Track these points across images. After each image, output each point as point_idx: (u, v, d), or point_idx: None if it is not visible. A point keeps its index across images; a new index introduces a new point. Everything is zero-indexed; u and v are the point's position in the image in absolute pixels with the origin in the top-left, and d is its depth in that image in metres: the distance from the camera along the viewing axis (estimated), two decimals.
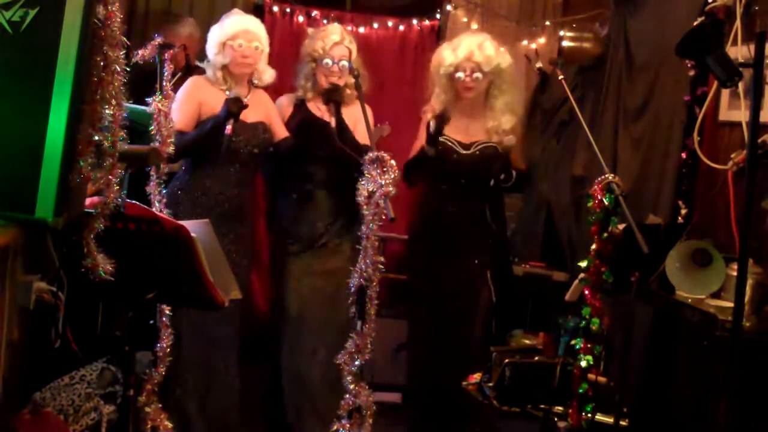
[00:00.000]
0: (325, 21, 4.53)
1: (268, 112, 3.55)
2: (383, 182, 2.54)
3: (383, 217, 2.57)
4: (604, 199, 2.70)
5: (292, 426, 3.63)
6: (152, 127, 2.78)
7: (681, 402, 3.44)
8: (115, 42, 1.71)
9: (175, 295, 2.47)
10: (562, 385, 2.95)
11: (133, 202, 2.22)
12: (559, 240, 4.47)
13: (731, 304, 2.35)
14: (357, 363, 2.66)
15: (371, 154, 2.60)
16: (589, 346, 2.73)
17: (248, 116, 3.40)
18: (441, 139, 3.62)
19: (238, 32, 3.38)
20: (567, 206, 4.45)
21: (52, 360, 2.51)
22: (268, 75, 3.54)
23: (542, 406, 2.99)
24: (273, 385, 3.69)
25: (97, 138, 1.73)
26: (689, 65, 3.53)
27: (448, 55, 3.61)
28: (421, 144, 3.60)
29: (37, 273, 2.00)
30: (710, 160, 3.28)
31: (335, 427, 2.75)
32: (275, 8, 4.54)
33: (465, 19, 4.68)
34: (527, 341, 4.03)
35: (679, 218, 3.60)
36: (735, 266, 2.28)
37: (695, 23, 2.39)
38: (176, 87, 3.25)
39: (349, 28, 4.32)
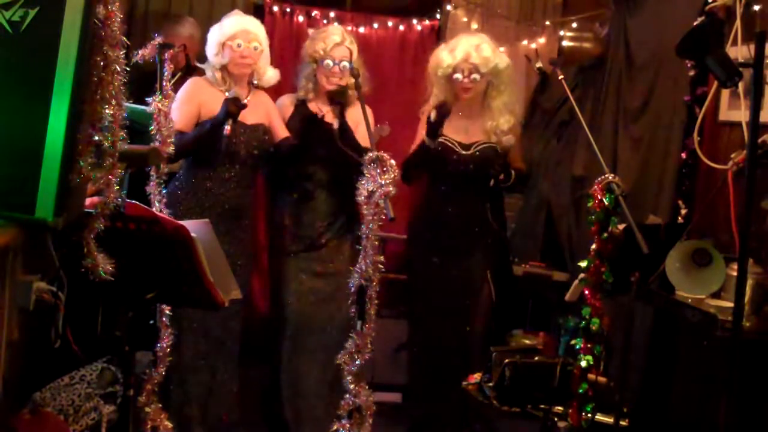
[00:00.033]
0: (325, 21, 4.53)
1: (269, 114, 3.55)
2: (383, 182, 2.54)
3: (383, 217, 2.57)
4: (604, 199, 2.70)
5: (292, 426, 3.63)
6: (152, 127, 2.78)
7: (681, 402, 3.44)
8: (115, 42, 1.71)
9: (175, 295, 2.47)
10: (562, 385, 2.95)
11: (133, 202, 2.22)
12: (559, 240, 4.47)
13: (731, 304, 2.35)
14: (357, 363, 2.66)
15: (371, 154, 2.60)
16: (589, 346, 2.73)
17: (248, 118, 3.40)
18: (441, 139, 3.62)
19: (236, 32, 3.38)
20: (567, 206, 4.45)
21: (52, 360, 2.51)
22: (271, 76, 3.54)
23: (542, 406, 2.99)
24: (272, 385, 3.69)
25: (97, 138, 1.73)
26: (689, 65, 3.53)
27: (445, 56, 3.62)
28: (421, 138, 3.60)
29: (37, 273, 2.00)
30: (710, 160, 3.28)
31: (335, 427, 2.75)
32: (275, 8, 4.54)
33: (465, 19, 4.68)
34: (527, 341, 4.04)
35: (679, 218, 3.61)
36: (735, 266, 2.28)
37: (695, 23, 2.39)
38: (176, 87, 3.25)
39: (349, 28, 4.32)
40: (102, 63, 1.69)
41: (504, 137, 3.63)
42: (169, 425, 2.78)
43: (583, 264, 2.76)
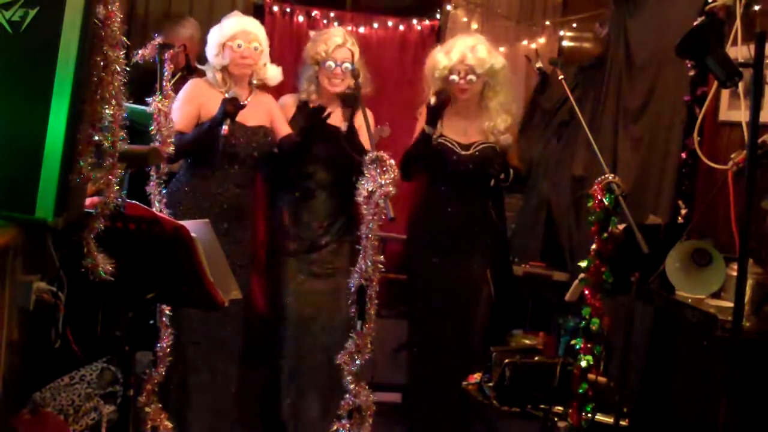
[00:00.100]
0: (325, 21, 4.53)
1: (271, 114, 3.54)
2: (383, 182, 2.54)
3: (383, 217, 2.57)
4: (604, 199, 2.70)
5: (291, 426, 3.63)
6: (152, 127, 2.78)
7: (681, 402, 3.44)
8: (115, 42, 1.71)
9: (175, 295, 2.47)
10: (562, 385, 2.95)
11: (133, 202, 2.22)
12: (559, 240, 4.47)
13: (731, 304, 2.35)
14: (357, 363, 2.66)
15: (371, 154, 2.60)
16: (589, 346, 2.73)
17: (249, 119, 3.40)
18: (440, 140, 3.64)
19: (236, 33, 3.38)
20: (567, 206, 4.45)
21: (52, 360, 2.51)
22: (274, 75, 3.54)
23: (542, 406, 2.99)
24: (272, 386, 3.69)
25: (97, 138, 1.73)
26: (689, 65, 3.53)
27: (441, 58, 3.63)
28: (420, 129, 3.60)
29: (37, 273, 1.99)
30: (710, 160, 3.28)
31: (335, 427, 2.75)
32: (275, 8, 4.54)
33: (465, 19, 4.68)
34: (527, 341, 4.03)
35: (679, 218, 3.60)
36: (735, 266, 2.28)
37: (695, 23, 2.39)
38: (176, 87, 3.26)
39: (349, 28, 4.32)
40: (102, 63, 1.69)
41: (501, 137, 3.65)
42: (169, 425, 2.78)
43: (583, 264, 2.75)
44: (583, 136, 3.76)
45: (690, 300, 2.97)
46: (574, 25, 4.72)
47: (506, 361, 3.02)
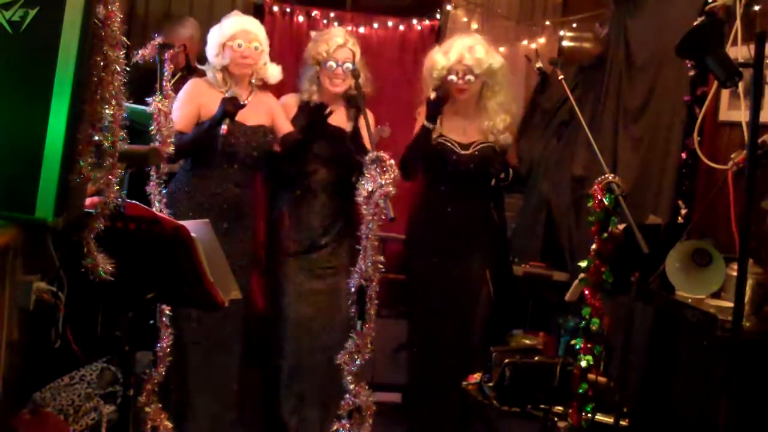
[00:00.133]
0: (324, 21, 4.53)
1: (272, 113, 3.54)
2: (383, 182, 2.55)
3: (383, 217, 2.57)
4: (604, 199, 2.70)
5: (291, 426, 3.63)
6: (152, 127, 2.78)
7: (681, 402, 3.44)
8: (115, 42, 1.71)
9: (175, 295, 2.47)
10: (562, 385, 2.95)
11: (133, 202, 2.22)
12: (559, 240, 4.47)
13: (731, 304, 2.35)
14: (357, 363, 2.66)
15: (371, 155, 2.61)
16: (589, 346, 2.73)
17: (249, 119, 3.40)
18: (440, 139, 3.64)
19: (236, 33, 3.38)
20: (567, 206, 4.44)
21: (52, 360, 2.51)
22: (274, 73, 3.54)
23: (542, 406, 2.99)
24: (272, 386, 3.69)
25: (97, 138, 1.73)
26: (689, 65, 3.53)
27: (439, 58, 3.64)
28: (420, 125, 3.60)
29: (37, 273, 1.99)
30: (710, 160, 3.28)
31: (335, 427, 2.75)
32: (275, 8, 4.54)
33: (465, 19, 4.67)
34: (527, 341, 4.03)
35: (679, 218, 3.60)
36: (735, 266, 2.28)
37: (695, 23, 2.39)
38: (176, 87, 3.26)
39: (349, 28, 4.32)
40: (102, 63, 1.69)
41: (501, 136, 3.66)
42: (169, 425, 2.78)
43: (583, 264, 2.75)
44: (583, 136, 3.76)
45: (690, 300, 2.97)
46: (574, 25, 4.72)
47: (506, 361, 3.02)
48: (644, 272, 2.97)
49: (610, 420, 2.86)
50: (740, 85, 2.69)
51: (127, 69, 1.78)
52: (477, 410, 3.53)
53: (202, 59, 3.54)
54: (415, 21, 4.69)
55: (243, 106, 3.26)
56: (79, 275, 1.85)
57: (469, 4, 4.66)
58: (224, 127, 3.20)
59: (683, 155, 3.67)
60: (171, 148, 2.82)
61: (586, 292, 2.74)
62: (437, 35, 4.65)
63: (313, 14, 4.57)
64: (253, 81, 3.51)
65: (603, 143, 3.96)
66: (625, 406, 2.99)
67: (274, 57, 3.63)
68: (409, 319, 3.90)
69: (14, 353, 2.03)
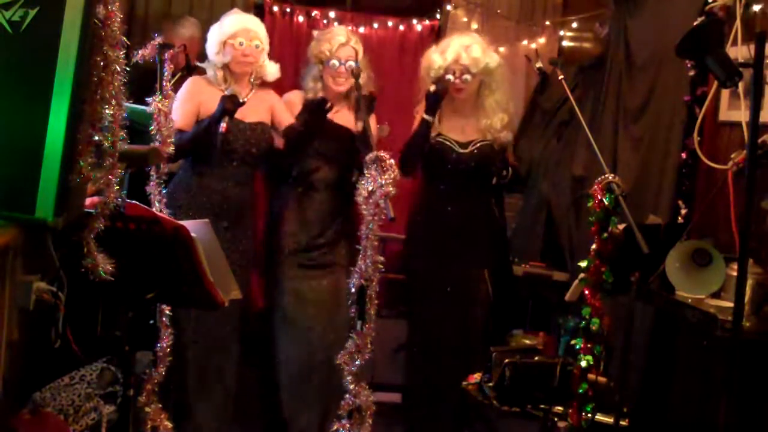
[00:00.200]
0: (325, 21, 4.53)
1: (272, 110, 3.53)
2: (383, 182, 2.55)
3: (383, 217, 2.57)
4: (604, 199, 2.70)
5: (291, 426, 3.62)
6: (152, 127, 2.78)
7: (681, 402, 3.44)
8: (115, 42, 1.71)
9: (175, 295, 2.47)
10: (562, 385, 2.95)
11: (133, 202, 2.22)
12: (559, 240, 4.46)
13: (731, 304, 2.35)
14: (357, 363, 2.66)
15: (371, 154, 2.61)
16: (589, 346, 2.73)
17: (248, 116, 3.40)
18: (439, 139, 3.65)
19: (238, 31, 3.38)
20: (567, 206, 4.44)
21: (52, 360, 2.51)
22: (271, 72, 3.54)
23: (542, 406, 2.99)
24: (271, 385, 3.68)
25: (97, 138, 1.73)
26: (689, 65, 3.53)
27: (436, 58, 3.65)
28: (420, 118, 3.60)
29: (37, 273, 1.99)
30: (710, 160, 3.28)
31: (335, 427, 2.75)
32: (275, 8, 4.53)
33: (465, 19, 4.67)
34: (527, 341, 4.03)
35: (679, 218, 3.60)
36: (735, 266, 2.28)
37: (695, 23, 2.39)
38: (176, 87, 3.26)
39: (349, 28, 4.31)
40: (102, 63, 1.69)
41: (502, 134, 3.68)
42: (169, 425, 2.78)
43: (583, 264, 2.76)
44: (583, 136, 3.76)
45: (690, 300, 2.97)
46: (574, 25, 4.72)
47: (506, 361, 3.02)
48: (644, 272, 2.97)
49: (610, 420, 2.86)
50: (740, 85, 2.70)
51: (127, 69, 1.78)
52: (477, 410, 3.53)
53: (202, 59, 3.54)
54: (415, 21, 4.69)
55: (242, 103, 3.26)
56: (79, 275, 1.85)
57: (469, 4, 4.66)
58: (223, 125, 3.20)
59: (683, 155, 3.67)
60: (171, 148, 2.82)
61: (586, 292, 2.74)
62: (437, 35, 4.64)
63: (313, 14, 4.57)
64: (252, 80, 3.51)
65: (603, 143, 3.96)
66: (625, 406, 2.99)
67: (274, 57, 3.63)
68: (408, 319, 3.90)
69: (14, 353, 2.03)
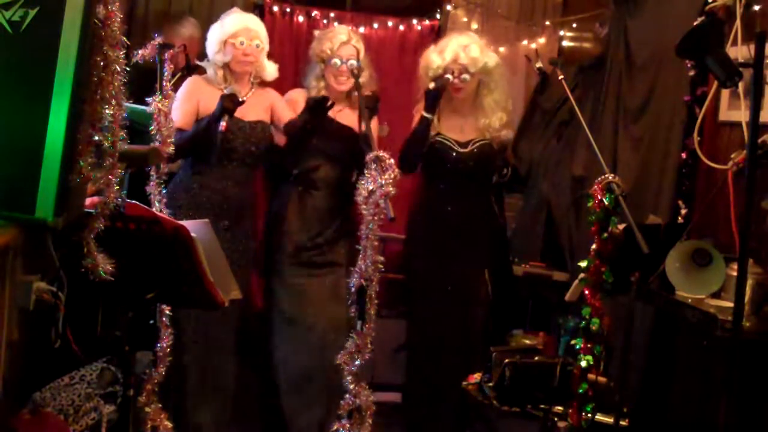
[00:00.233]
0: (325, 21, 4.53)
1: (273, 108, 3.53)
2: (383, 182, 2.54)
3: (383, 217, 2.57)
4: (604, 199, 2.70)
5: (290, 426, 3.62)
6: (152, 127, 2.78)
7: (681, 402, 3.44)
8: (115, 42, 1.71)
9: (175, 295, 2.47)
10: (562, 385, 2.95)
11: (133, 202, 2.22)
12: (559, 240, 4.46)
13: (731, 304, 2.35)
14: (357, 363, 2.66)
15: (371, 154, 2.61)
16: (589, 346, 2.73)
17: (248, 114, 3.40)
18: (438, 138, 3.65)
19: (239, 30, 3.38)
20: (567, 206, 4.44)
21: (52, 360, 2.51)
22: (270, 71, 3.54)
23: (542, 406, 2.99)
24: (271, 385, 3.68)
25: (97, 138, 1.73)
26: (689, 65, 3.53)
27: (435, 58, 3.66)
28: (419, 115, 3.60)
29: (37, 273, 1.99)
30: (710, 160, 3.28)
31: (335, 427, 2.74)
32: (275, 8, 4.54)
33: (465, 19, 4.67)
34: (527, 341, 4.03)
35: (679, 218, 3.60)
36: (735, 266, 2.28)
37: (695, 23, 2.39)
38: (176, 87, 3.26)
39: (349, 28, 4.31)
40: (102, 63, 1.69)
41: (503, 132, 3.70)
42: (169, 425, 2.78)
43: (583, 264, 2.76)
44: (583, 136, 3.76)
45: (690, 300, 2.97)
46: (574, 25, 4.72)
47: (506, 361, 3.02)
48: (644, 272, 2.97)
49: (610, 420, 2.86)
50: (740, 85, 2.69)
51: (127, 69, 1.78)
52: (477, 410, 3.53)
53: (202, 59, 3.54)
54: (415, 21, 4.69)
55: (242, 102, 3.26)
56: (79, 275, 1.85)
57: (469, 4, 4.66)
58: (223, 124, 3.20)
59: (683, 155, 3.67)
60: (171, 148, 2.82)
61: (586, 292, 2.74)
62: (437, 35, 4.64)
63: (313, 14, 4.57)
64: (252, 79, 3.51)
65: (603, 143, 3.96)
66: (625, 406, 3.00)
67: (274, 56, 3.63)
68: (408, 319, 3.90)
69: (14, 353, 2.03)
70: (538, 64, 3.81)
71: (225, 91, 3.29)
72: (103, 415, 2.74)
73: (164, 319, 2.78)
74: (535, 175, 4.56)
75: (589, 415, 2.74)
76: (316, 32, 3.86)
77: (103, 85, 1.71)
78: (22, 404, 2.46)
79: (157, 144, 2.75)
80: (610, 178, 2.73)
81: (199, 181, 3.38)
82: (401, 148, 3.58)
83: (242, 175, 3.44)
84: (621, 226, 2.72)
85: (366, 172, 2.60)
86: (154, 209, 2.65)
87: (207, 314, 3.26)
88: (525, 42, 4.68)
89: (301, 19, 4.56)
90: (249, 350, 3.71)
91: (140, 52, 2.85)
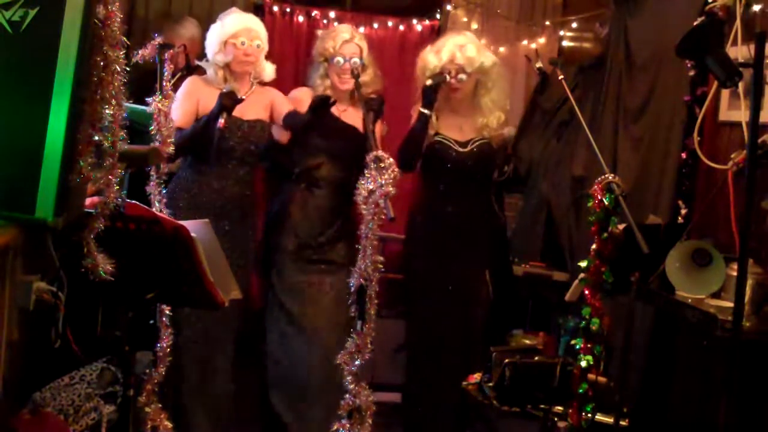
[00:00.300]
0: (324, 21, 4.53)
1: (273, 105, 3.53)
2: (383, 182, 2.54)
3: (383, 217, 2.57)
4: (604, 199, 2.70)
5: (290, 426, 3.62)
6: (152, 127, 2.78)
7: (681, 402, 3.44)
8: (115, 42, 1.72)
9: (175, 295, 2.47)
10: (562, 385, 2.95)
11: (133, 202, 2.22)
12: (559, 240, 4.46)
13: (731, 304, 2.35)
14: (357, 363, 2.66)
15: (371, 154, 2.61)
16: (589, 346, 2.73)
17: (247, 113, 3.40)
18: (437, 138, 3.65)
19: (239, 30, 3.39)
20: (567, 206, 4.44)
21: (52, 360, 2.51)
22: (268, 72, 3.54)
23: (542, 406, 2.99)
24: (270, 385, 3.68)
25: (97, 138, 1.73)
26: (689, 65, 3.53)
27: (431, 58, 3.66)
28: (417, 113, 3.60)
29: (37, 273, 1.99)
30: (710, 160, 3.28)
31: (335, 427, 2.74)
32: (275, 8, 4.54)
33: (465, 19, 4.68)
34: (527, 341, 4.03)
35: (679, 218, 3.60)
36: (735, 266, 2.28)
37: (695, 23, 2.39)
38: (176, 87, 3.26)
39: (351, 26, 4.31)
40: (102, 63, 1.69)
41: (505, 129, 3.72)
42: (169, 425, 2.78)
43: (583, 264, 2.76)
44: (583, 136, 3.76)
45: (690, 300, 2.97)
46: (574, 25, 4.72)
47: (506, 361, 3.02)
48: (644, 272, 2.97)
49: (610, 420, 2.86)
50: (740, 85, 2.69)
51: (127, 69, 1.78)
52: (477, 410, 3.53)
53: (202, 59, 3.54)
54: (415, 21, 4.69)
55: (241, 100, 3.26)
56: (79, 275, 1.85)
57: (469, 4, 4.66)
58: (221, 121, 3.19)
59: (683, 155, 3.67)
60: (171, 148, 2.82)
61: (586, 292, 2.74)
62: (437, 35, 4.64)
63: (313, 14, 4.57)
64: (252, 79, 3.51)
65: (603, 143, 3.96)
66: (625, 406, 2.99)
67: (274, 57, 3.63)
68: (408, 319, 3.90)
69: (14, 353, 2.03)
70: (538, 64, 3.81)
71: (223, 89, 3.28)
72: (103, 415, 2.74)
73: (164, 319, 2.78)
74: (535, 175, 4.57)
75: (589, 415, 2.74)
76: (319, 32, 3.86)
77: (103, 85, 1.71)
78: (22, 404, 2.46)
79: (157, 144, 2.75)
80: (610, 178, 2.73)
81: (199, 180, 3.38)
82: (400, 146, 3.58)
83: (242, 174, 3.44)
84: (621, 226, 2.72)
85: (366, 171, 2.60)
86: (154, 209, 2.65)
87: (207, 314, 3.26)
88: (525, 42, 4.69)
89: (301, 19, 4.56)
90: (249, 350, 3.71)
91: (140, 52, 2.85)
